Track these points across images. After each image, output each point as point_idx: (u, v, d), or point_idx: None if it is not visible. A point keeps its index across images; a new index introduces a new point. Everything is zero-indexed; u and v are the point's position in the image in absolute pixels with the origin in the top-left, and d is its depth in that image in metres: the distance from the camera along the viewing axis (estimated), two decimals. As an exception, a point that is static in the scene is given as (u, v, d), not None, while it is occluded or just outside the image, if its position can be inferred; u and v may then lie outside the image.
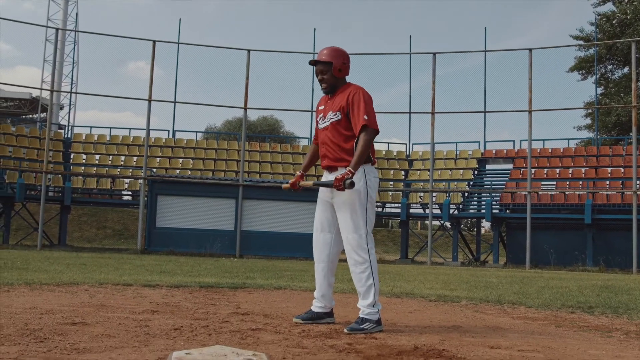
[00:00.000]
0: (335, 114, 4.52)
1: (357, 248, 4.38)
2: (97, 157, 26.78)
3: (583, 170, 25.54)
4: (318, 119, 4.72)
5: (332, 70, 4.56)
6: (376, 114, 4.56)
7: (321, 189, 4.64)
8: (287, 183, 4.86)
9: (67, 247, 22.68)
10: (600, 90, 37.24)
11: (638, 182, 21.15)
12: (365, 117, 4.37)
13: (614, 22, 36.54)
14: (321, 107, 4.73)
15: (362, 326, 4.24)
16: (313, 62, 4.67)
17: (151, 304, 5.41)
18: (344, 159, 4.46)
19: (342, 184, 4.22)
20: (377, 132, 4.43)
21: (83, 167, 25.95)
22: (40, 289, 6.27)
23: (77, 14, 38.88)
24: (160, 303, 5.54)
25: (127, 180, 25.74)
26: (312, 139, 5.03)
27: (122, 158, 26.92)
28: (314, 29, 29.32)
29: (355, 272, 4.42)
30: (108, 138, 27.97)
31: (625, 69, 37.31)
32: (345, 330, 4.20)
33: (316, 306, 4.71)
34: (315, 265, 4.78)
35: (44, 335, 3.60)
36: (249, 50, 22.81)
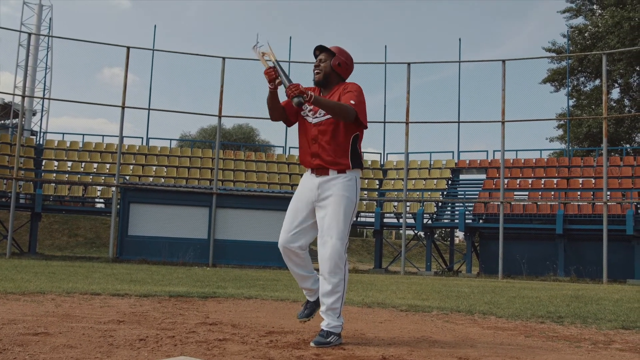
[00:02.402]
0: None
1: (336, 256, 4.18)
2: (70, 164, 26.45)
3: (555, 180, 25.81)
4: (307, 110, 4.43)
5: (332, 61, 4.40)
6: None
7: (305, 187, 4.39)
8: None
9: (37, 255, 22.32)
10: (572, 102, 37.74)
11: (608, 193, 21.44)
12: (352, 102, 4.23)
13: (585, 34, 37.12)
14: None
15: (328, 339, 4.12)
16: (319, 48, 4.47)
17: (118, 314, 5.31)
18: (339, 163, 4.30)
19: (296, 93, 4.07)
20: (359, 121, 4.27)
21: (55, 174, 25.61)
22: (5, 298, 6.14)
23: (50, 19, 38.55)
24: (128, 313, 5.45)
25: (99, 188, 25.45)
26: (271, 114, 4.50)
27: (95, 165, 26.62)
28: (290, 37, 29.47)
29: (329, 280, 4.22)
30: (81, 145, 27.65)
31: (597, 81, 37.88)
32: (312, 345, 4.09)
33: (308, 293, 4.59)
34: (289, 263, 4.54)
35: (2, 346, 3.51)
36: (223, 58, 22.74)
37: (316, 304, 4.51)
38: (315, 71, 4.45)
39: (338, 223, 4.22)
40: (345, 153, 4.32)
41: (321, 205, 4.31)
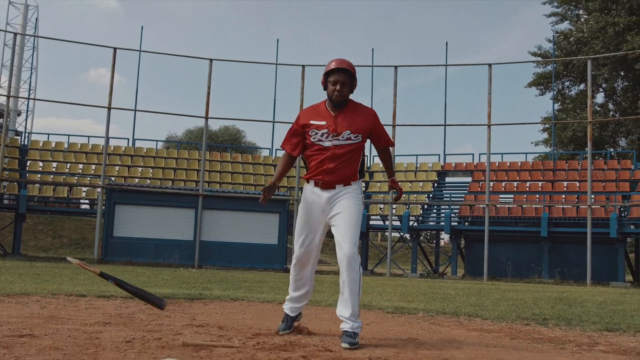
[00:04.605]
0: (357, 136, 4.49)
1: (353, 260, 4.36)
2: (55, 164, 26.27)
3: (540, 184, 25.97)
4: (319, 135, 4.49)
5: (352, 86, 4.52)
6: None
7: (314, 206, 4.58)
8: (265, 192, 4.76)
9: (21, 256, 22.13)
10: (557, 106, 38.04)
11: (592, 196, 21.60)
12: (390, 141, 4.78)
13: (571, 40, 37.41)
14: (321, 122, 4.50)
15: (356, 340, 4.24)
16: (343, 71, 4.46)
17: (104, 316, 5.30)
18: (350, 180, 4.53)
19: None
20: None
21: (39, 175, 25.43)
22: (-11, 300, 6.10)
23: (37, 19, 38.25)
24: (114, 314, 5.43)
25: (84, 189, 25.30)
26: (289, 148, 4.69)
27: (80, 166, 26.48)
28: (277, 40, 29.36)
29: (351, 283, 4.37)
30: (66, 145, 27.48)
31: (582, 86, 38.20)
32: (346, 346, 4.13)
33: (295, 308, 4.79)
34: (304, 269, 4.78)
35: (-12, 348, 3.49)
36: (211, 60, 22.69)
37: (294, 320, 4.76)
38: (336, 94, 4.48)
39: (351, 228, 4.43)
40: (356, 172, 4.57)
41: (335, 218, 4.50)
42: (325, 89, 4.56)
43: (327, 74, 4.49)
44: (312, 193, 4.59)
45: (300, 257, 4.69)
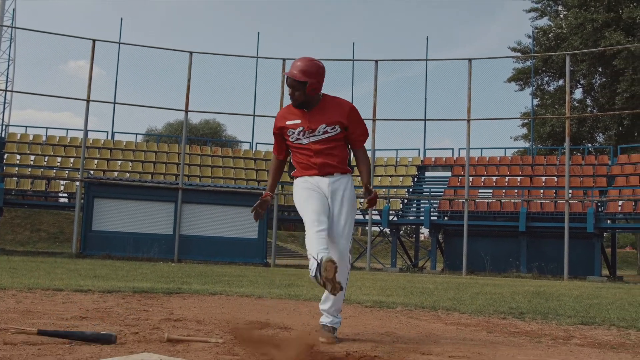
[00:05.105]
0: (334, 128, 4.39)
1: (345, 255, 4.34)
2: (32, 157, 26.01)
3: (518, 179, 26.18)
4: (296, 134, 4.41)
5: (306, 89, 4.34)
6: None
7: (316, 186, 4.40)
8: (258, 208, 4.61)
9: (-2, 250, 21.91)
10: (536, 101, 38.29)
11: (570, 191, 21.81)
12: (363, 139, 4.61)
13: (550, 35, 37.65)
14: (295, 122, 4.42)
15: (335, 334, 4.26)
16: (289, 77, 4.37)
17: (81, 310, 5.26)
18: (344, 166, 4.48)
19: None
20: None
21: (17, 168, 25.17)
22: (-36, 294, 6.03)
23: (14, 10, 37.72)
24: (91, 309, 5.39)
25: (63, 182, 25.07)
26: (276, 153, 4.67)
27: (59, 159, 26.23)
28: (258, 33, 29.29)
29: (339, 277, 4.20)
30: (44, 138, 27.21)
31: (560, 81, 38.49)
32: (324, 340, 4.14)
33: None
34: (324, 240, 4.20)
35: (-38, 342, 3.45)
36: (191, 53, 22.56)
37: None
38: (291, 99, 4.44)
39: (347, 225, 4.39)
40: (345, 160, 4.52)
41: (334, 204, 4.41)
42: None
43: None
44: (307, 181, 4.44)
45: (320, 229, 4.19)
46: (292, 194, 4.65)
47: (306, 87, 4.33)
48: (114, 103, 26.18)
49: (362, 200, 4.21)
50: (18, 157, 25.95)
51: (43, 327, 4.16)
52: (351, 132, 4.50)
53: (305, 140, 4.41)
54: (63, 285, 7.36)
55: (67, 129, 28.40)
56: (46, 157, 26.16)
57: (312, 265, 3.95)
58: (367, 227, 23.70)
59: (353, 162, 4.63)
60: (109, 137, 28.00)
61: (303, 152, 4.44)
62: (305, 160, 4.43)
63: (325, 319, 4.35)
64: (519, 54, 38.07)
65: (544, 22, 39.86)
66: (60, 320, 4.60)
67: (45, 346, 3.49)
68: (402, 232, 31.41)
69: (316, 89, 4.39)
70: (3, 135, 27.92)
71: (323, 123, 4.39)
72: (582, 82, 38.60)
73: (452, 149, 28.36)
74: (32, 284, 7.36)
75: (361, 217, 26.23)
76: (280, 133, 4.52)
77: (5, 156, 25.87)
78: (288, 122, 4.45)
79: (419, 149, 28.32)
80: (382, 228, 26.08)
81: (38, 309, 5.22)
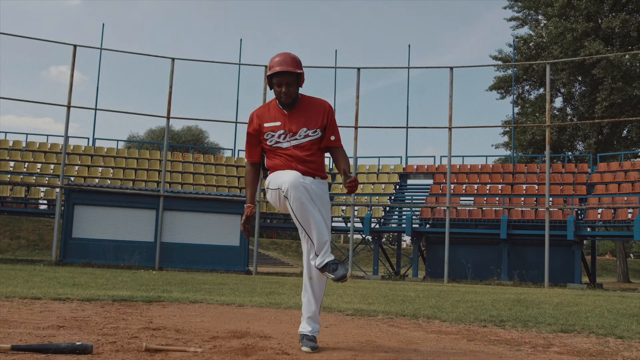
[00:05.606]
0: (315, 131, 4.27)
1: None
2: (12, 164, 25.76)
3: (500, 186, 26.34)
4: (276, 137, 4.25)
5: (300, 83, 4.23)
6: None
7: (314, 190, 4.17)
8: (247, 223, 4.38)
9: (-24, 257, 21.66)
10: (517, 109, 38.64)
11: (550, 199, 21.98)
12: (335, 137, 4.42)
13: (530, 44, 38.02)
14: (275, 124, 4.25)
15: (316, 343, 4.22)
16: (285, 73, 4.16)
17: (58, 319, 5.19)
18: (322, 171, 4.33)
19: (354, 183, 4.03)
20: None
21: (-5, 175, 24.90)
22: (-61, 303, 5.94)
23: (-7, 15, 37.46)
24: (68, 318, 5.33)
25: (43, 189, 24.85)
26: (250, 158, 4.44)
27: (39, 166, 26.00)
28: (240, 40, 29.34)
29: (320, 282, 4.33)
30: (24, 144, 26.98)
31: (541, 90, 38.86)
32: (308, 350, 4.10)
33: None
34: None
35: None
36: (173, 59, 22.48)
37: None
38: (283, 96, 4.21)
39: (328, 228, 4.25)
40: (323, 166, 4.38)
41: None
42: (271, 88, 4.30)
43: (271, 76, 4.22)
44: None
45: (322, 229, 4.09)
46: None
47: (300, 79, 4.24)
48: (95, 109, 25.99)
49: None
50: (-3, 163, 25.69)
51: (19, 337, 4.11)
52: (330, 131, 4.36)
53: (286, 144, 4.24)
54: (41, 294, 7.28)
55: (48, 135, 28.24)
56: (26, 164, 25.91)
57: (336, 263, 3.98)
58: (349, 235, 23.71)
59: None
60: (90, 144, 27.83)
61: (283, 156, 4.25)
62: (286, 163, 4.23)
63: (305, 328, 4.29)
64: (500, 63, 38.39)
65: (524, 31, 40.32)
66: (36, 329, 4.54)
67: (21, 356, 3.44)
68: (384, 239, 31.43)
69: (302, 82, 4.29)
70: (-18, 142, 27.62)
71: (304, 126, 4.26)
72: (562, 90, 38.97)
73: (434, 156, 28.49)
74: (10, 293, 7.26)
75: (343, 224, 26.26)
76: (256, 135, 4.33)
77: (-16, 162, 25.59)
78: (267, 125, 4.27)
79: (401, 157, 28.44)
80: (364, 235, 26.09)
81: (15, 317, 5.15)
